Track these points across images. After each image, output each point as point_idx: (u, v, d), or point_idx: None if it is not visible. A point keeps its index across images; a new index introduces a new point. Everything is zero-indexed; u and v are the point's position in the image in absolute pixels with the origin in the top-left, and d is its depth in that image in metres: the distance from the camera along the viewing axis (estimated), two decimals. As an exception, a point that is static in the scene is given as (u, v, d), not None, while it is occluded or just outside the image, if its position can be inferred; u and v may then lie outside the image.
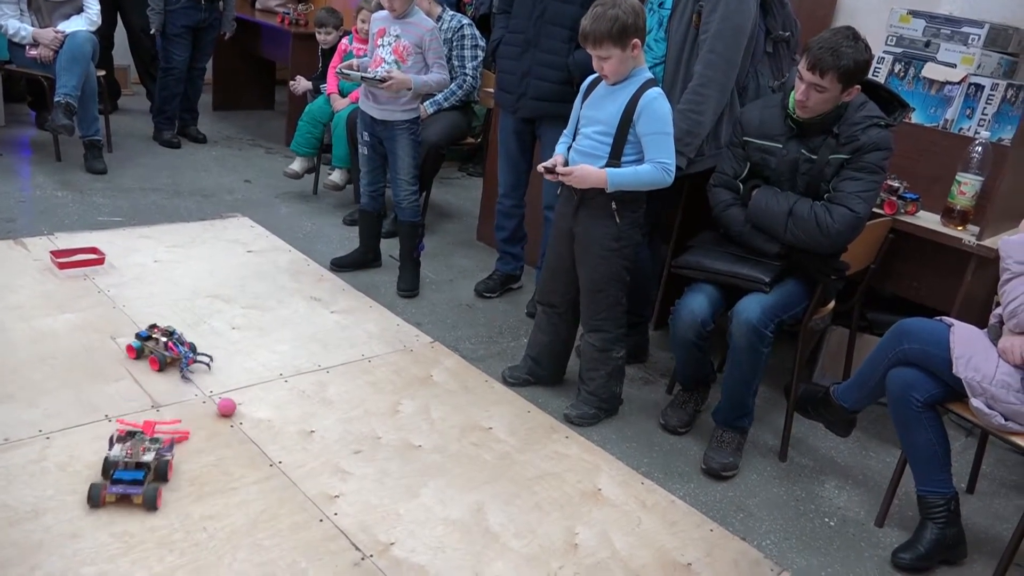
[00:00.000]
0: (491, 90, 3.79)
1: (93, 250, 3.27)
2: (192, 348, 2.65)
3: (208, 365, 2.64)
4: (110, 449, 2.09)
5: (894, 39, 3.35)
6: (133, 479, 1.99)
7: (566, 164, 2.63)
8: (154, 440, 2.12)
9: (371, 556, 1.97)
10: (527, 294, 3.69)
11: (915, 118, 3.21)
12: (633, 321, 3.04)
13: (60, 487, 2.02)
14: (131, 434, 2.14)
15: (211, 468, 2.18)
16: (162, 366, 2.58)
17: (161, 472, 2.07)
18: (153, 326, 2.70)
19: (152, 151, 5.06)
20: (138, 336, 2.66)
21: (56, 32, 4.31)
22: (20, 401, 2.34)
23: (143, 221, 3.88)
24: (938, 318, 2.34)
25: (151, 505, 1.98)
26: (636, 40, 2.46)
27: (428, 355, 2.99)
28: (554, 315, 2.87)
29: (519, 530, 2.14)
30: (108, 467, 2.04)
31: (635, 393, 3.03)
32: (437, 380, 2.83)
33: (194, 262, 3.45)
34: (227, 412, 2.41)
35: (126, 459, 2.03)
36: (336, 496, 2.16)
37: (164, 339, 2.63)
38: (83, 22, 4.45)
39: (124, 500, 1.98)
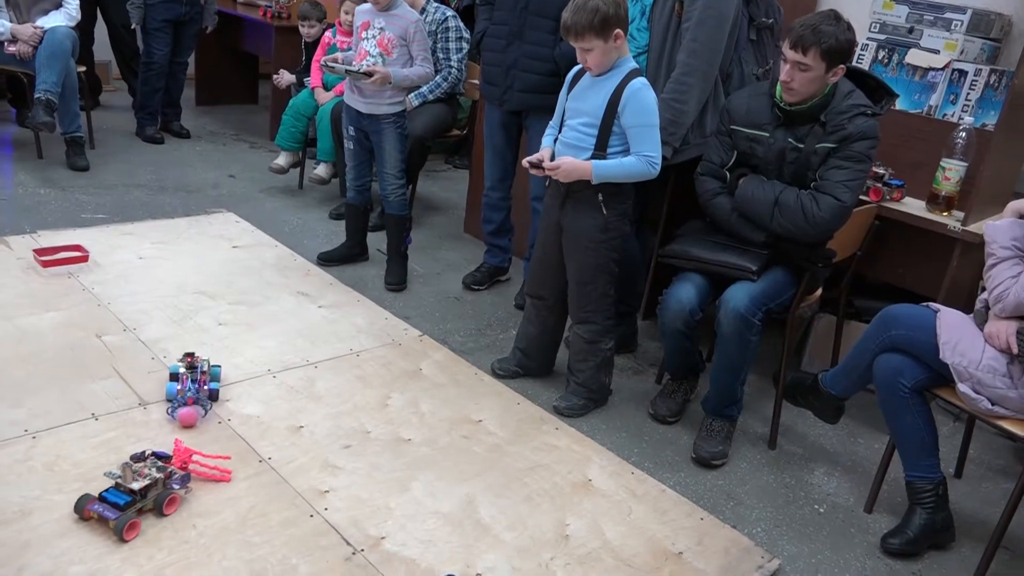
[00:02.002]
0: (476, 82, 3.77)
1: (77, 248, 3.24)
2: (206, 395, 2.41)
3: (205, 411, 2.37)
4: (128, 460, 2.00)
5: (877, 26, 3.36)
6: (115, 503, 1.90)
7: (553, 157, 2.62)
8: (161, 468, 2.00)
9: (362, 550, 1.97)
10: (515, 286, 3.69)
11: (899, 104, 3.21)
12: (622, 311, 3.04)
13: (47, 487, 2.01)
14: (151, 456, 2.04)
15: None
16: (168, 399, 2.40)
17: (158, 504, 1.96)
18: (188, 354, 2.49)
19: (135, 147, 5.02)
20: (179, 360, 2.49)
21: (35, 28, 4.26)
22: (5, 401, 2.32)
23: (127, 218, 3.85)
24: (924, 304, 2.35)
25: (119, 535, 1.86)
26: (619, 31, 2.45)
27: (417, 348, 2.99)
28: (543, 307, 2.87)
29: (510, 522, 2.14)
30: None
31: (624, 383, 3.04)
32: (426, 373, 2.82)
33: (179, 258, 3.43)
34: (188, 424, 2.31)
35: (119, 479, 1.95)
36: (326, 491, 2.15)
37: (184, 371, 2.44)
38: (62, 17, 4.40)
39: (102, 521, 1.89)
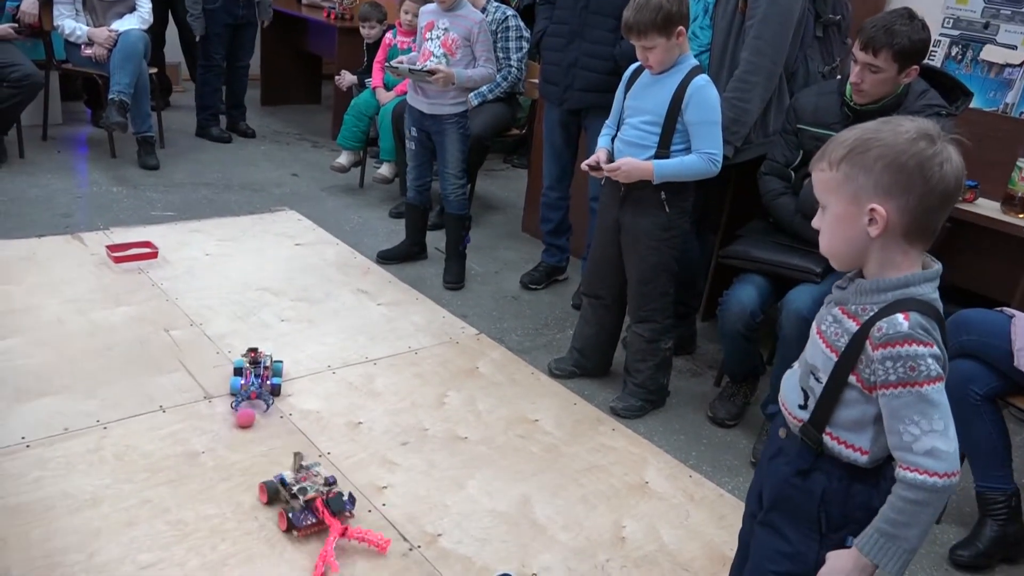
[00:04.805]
0: (536, 81, 3.77)
1: (147, 244, 3.34)
2: (268, 390, 2.43)
3: (267, 406, 2.41)
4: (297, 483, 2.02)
5: (951, 21, 3.26)
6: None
7: (611, 157, 2.61)
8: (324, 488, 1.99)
9: (419, 547, 1.98)
10: (572, 286, 3.68)
11: (973, 103, 3.11)
12: (681, 312, 3.01)
13: (117, 476, 2.08)
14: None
15: (261, 458, 2.21)
16: (232, 393, 2.43)
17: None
18: (252, 350, 2.52)
19: (202, 146, 5.15)
20: (243, 355, 2.53)
21: (110, 31, 4.41)
22: (78, 392, 2.41)
23: (194, 215, 3.95)
24: (998, 308, 2.27)
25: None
26: (681, 28, 2.42)
27: (474, 347, 3.00)
28: (600, 306, 2.85)
29: (566, 522, 2.14)
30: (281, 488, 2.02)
31: (682, 385, 3.00)
32: (483, 372, 2.83)
33: (244, 255, 3.50)
34: (246, 423, 2.33)
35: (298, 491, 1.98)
36: (384, 487, 2.18)
37: (249, 366, 2.46)
38: (135, 21, 4.54)
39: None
